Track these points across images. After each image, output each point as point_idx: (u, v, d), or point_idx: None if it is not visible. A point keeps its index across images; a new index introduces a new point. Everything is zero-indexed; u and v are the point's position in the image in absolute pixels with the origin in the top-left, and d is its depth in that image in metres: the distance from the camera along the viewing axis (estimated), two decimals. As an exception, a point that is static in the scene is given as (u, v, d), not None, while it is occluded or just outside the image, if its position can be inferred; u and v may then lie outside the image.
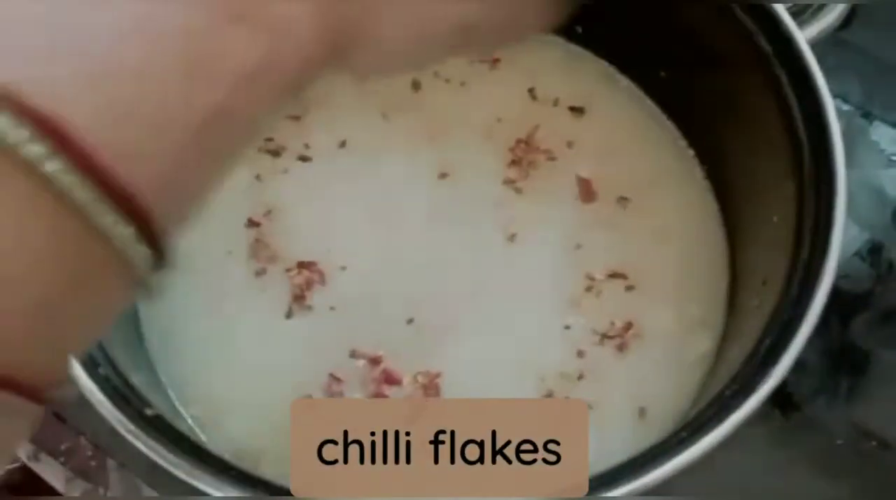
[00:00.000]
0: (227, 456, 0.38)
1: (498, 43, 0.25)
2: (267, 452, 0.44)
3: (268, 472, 0.38)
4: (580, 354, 0.47)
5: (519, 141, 0.51)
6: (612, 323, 0.47)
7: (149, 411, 0.35)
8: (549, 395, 0.45)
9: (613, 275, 0.48)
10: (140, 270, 0.20)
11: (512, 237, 0.49)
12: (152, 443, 0.34)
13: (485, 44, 0.24)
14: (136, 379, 0.39)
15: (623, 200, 0.50)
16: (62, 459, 0.54)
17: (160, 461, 0.34)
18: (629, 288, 0.48)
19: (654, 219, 0.50)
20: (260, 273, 0.48)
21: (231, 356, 0.47)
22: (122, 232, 0.19)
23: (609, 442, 0.43)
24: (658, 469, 0.34)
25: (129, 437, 0.34)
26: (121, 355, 0.39)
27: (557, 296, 0.48)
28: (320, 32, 0.21)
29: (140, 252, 0.19)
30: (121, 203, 0.18)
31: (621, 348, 0.47)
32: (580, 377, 0.46)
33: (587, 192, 0.50)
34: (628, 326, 0.47)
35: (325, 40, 0.21)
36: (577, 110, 0.52)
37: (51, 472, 0.55)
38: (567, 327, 0.47)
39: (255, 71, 0.20)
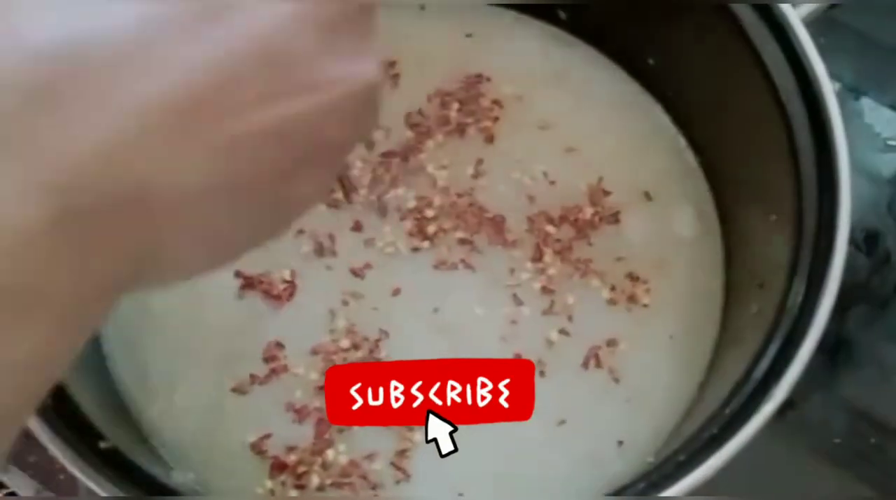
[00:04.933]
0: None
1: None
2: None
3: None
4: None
5: None
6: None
7: (102, 444, 0.33)
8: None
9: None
10: None
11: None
12: (108, 484, 0.31)
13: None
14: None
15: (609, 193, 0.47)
16: (30, 472, 0.53)
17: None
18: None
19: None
20: None
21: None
22: None
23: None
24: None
25: (84, 477, 0.31)
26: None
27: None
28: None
29: None
30: None
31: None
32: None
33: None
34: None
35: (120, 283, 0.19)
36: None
37: (19, 484, 0.53)
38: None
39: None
